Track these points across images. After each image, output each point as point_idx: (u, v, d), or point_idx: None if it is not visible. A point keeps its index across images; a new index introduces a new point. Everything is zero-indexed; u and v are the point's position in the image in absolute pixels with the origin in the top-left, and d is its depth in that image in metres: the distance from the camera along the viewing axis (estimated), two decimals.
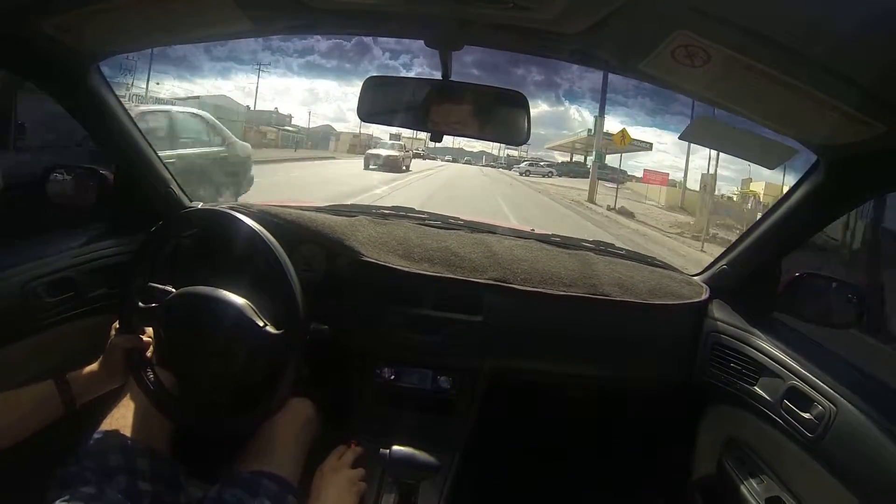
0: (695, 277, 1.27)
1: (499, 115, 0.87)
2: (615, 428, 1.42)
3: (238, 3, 0.73)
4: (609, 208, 12.48)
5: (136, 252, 0.97)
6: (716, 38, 0.63)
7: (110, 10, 0.76)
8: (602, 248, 1.37)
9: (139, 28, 0.84)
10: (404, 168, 15.66)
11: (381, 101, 0.89)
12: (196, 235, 1.10)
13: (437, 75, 0.84)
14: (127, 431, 0.86)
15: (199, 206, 1.22)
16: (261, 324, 0.88)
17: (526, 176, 22.01)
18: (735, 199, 14.58)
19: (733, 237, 1.98)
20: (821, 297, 1.02)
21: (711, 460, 1.14)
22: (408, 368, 1.18)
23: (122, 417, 0.88)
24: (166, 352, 0.93)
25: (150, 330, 0.95)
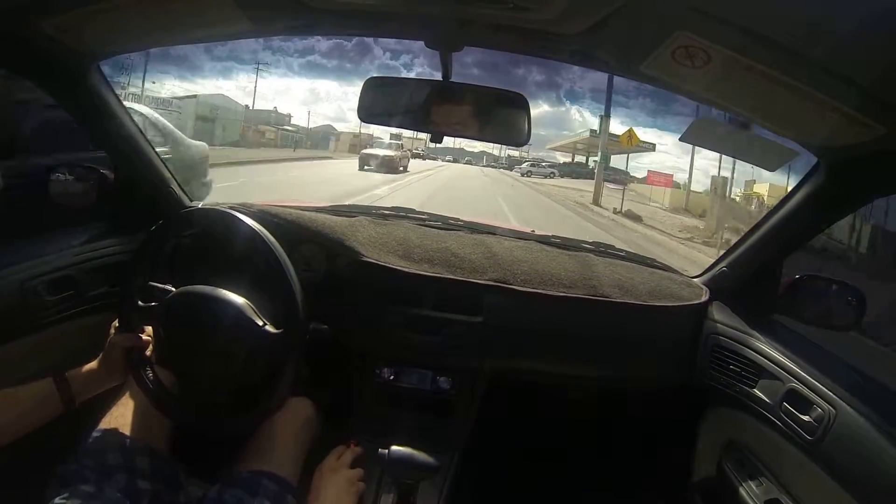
0: (694, 279, 1.27)
1: (499, 117, 0.86)
2: (615, 429, 1.42)
3: (238, 3, 0.73)
4: (615, 211, 12.35)
5: (136, 251, 0.97)
6: (716, 38, 0.63)
7: (110, 10, 0.76)
8: (602, 250, 1.37)
9: (139, 28, 0.84)
10: (401, 169, 15.50)
11: (381, 102, 0.88)
12: (196, 235, 1.10)
13: (438, 76, 0.84)
14: (126, 430, 0.86)
15: (200, 206, 1.22)
16: (260, 323, 0.88)
17: (528, 176, 21.97)
18: (739, 200, 14.51)
19: None
20: (821, 299, 1.03)
21: (711, 462, 1.14)
22: (407, 369, 1.18)
23: (121, 416, 0.88)
24: (166, 351, 0.94)
25: (149, 329, 0.95)
